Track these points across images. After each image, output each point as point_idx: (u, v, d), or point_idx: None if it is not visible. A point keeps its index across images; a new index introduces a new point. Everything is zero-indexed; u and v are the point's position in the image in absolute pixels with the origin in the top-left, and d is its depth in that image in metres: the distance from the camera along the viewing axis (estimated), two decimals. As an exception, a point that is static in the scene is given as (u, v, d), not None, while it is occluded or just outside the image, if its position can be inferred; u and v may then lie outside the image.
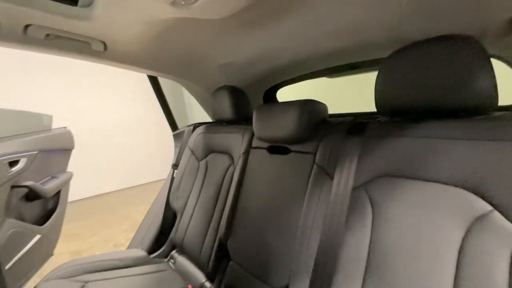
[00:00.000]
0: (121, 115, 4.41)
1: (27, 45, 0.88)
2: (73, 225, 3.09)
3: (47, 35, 0.87)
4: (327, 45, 0.88)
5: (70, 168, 1.91)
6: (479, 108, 0.53)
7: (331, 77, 1.36)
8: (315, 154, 0.77)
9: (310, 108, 0.80)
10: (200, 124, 1.44)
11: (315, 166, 0.75)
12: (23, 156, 1.43)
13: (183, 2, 0.69)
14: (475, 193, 0.50)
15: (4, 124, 1.43)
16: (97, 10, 0.76)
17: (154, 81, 1.46)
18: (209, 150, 1.27)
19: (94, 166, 4.22)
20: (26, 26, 0.83)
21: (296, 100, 0.83)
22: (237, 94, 1.17)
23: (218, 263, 0.97)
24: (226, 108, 1.16)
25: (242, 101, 1.18)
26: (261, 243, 0.83)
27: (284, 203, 0.80)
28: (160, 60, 1.16)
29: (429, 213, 0.54)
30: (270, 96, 1.54)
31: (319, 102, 0.86)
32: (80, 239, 2.72)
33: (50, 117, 1.79)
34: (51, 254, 1.69)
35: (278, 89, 1.54)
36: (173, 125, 1.59)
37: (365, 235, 0.62)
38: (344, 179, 0.67)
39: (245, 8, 0.75)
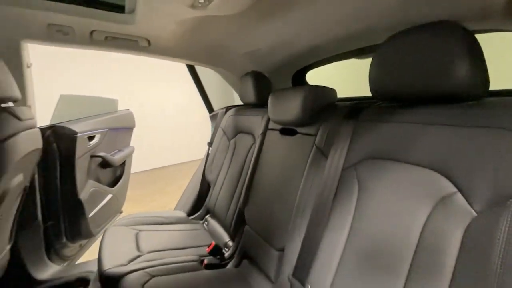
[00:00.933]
0: (176, 99, 4.92)
1: (92, 46, 1.13)
2: (136, 192, 3.68)
3: (106, 37, 1.10)
4: (337, 31, 0.91)
5: (133, 143, 2.30)
6: (458, 95, 0.54)
7: (359, 58, 1.35)
8: (316, 136, 0.84)
9: (314, 94, 0.86)
10: (232, 106, 1.60)
11: (314, 147, 0.83)
12: (98, 133, 1.80)
13: (200, 4, 0.81)
14: (443, 175, 0.53)
15: (84, 107, 1.81)
16: (138, 16, 0.94)
17: (191, 69, 1.65)
18: (237, 131, 1.42)
19: (153, 143, 4.84)
20: (92, 32, 1.07)
21: (305, 86, 0.90)
22: (260, 79, 1.27)
23: (237, 226, 1.14)
24: (250, 92, 1.28)
25: (265, 86, 1.27)
26: (269, 211, 0.96)
27: (288, 178, 0.91)
28: (193, 51, 1.32)
29: (405, 192, 0.59)
30: (298, 79, 1.59)
31: (327, 87, 0.91)
32: (141, 204, 3.26)
33: (116, 101, 2.17)
34: (120, 212, 2.13)
35: (306, 72, 1.57)
36: (209, 107, 1.78)
37: (350, 210, 0.69)
38: (336, 160, 0.74)
39: (256, 2, 0.84)
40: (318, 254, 0.72)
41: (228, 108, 1.60)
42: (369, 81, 0.69)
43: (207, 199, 1.50)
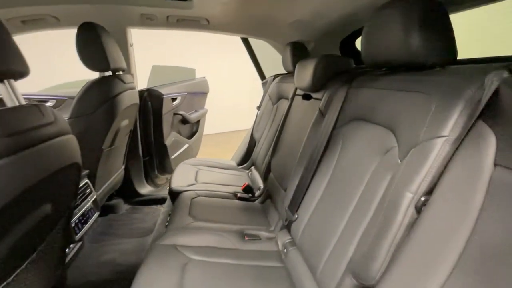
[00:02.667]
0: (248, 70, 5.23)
1: (169, 27, 1.50)
2: (208, 149, 4.30)
3: (177, 20, 1.45)
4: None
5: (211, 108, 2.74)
6: (415, 64, 0.59)
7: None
8: (321, 100, 0.97)
9: (325, 63, 0.97)
10: (279, 75, 1.77)
11: (318, 110, 0.97)
12: (179, 95, 2.30)
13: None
14: (392, 132, 0.63)
15: (170, 75, 2.33)
16: (195, 2, 1.22)
17: (246, 42, 1.88)
18: (279, 96, 1.61)
19: (227, 108, 5.35)
20: (167, 17, 1.42)
21: (321, 56, 1.01)
22: (297, 49, 1.39)
23: (266, 174, 1.41)
24: (288, 62, 1.43)
25: (302, 55, 1.40)
26: (283, 162, 1.18)
27: (300, 136, 1.08)
28: (245, 24, 1.54)
29: (367, 147, 0.71)
30: (347, 46, 1.61)
31: (342, 57, 1.00)
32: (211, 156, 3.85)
33: (194, 70, 2.65)
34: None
35: (356, 38, 1.57)
36: (261, 75, 2.00)
37: (332, 162, 0.84)
38: (330, 121, 0.88)
39: None
40: (306, 193, 0.92)
41: (275, 76, 1.78)
42: (361, 49, 0.78)
43: (253, 154, 1.81)
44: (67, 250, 1.14)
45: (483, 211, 0.38)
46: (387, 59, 0.68)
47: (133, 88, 1.45)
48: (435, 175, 0.46)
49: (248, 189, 1.40)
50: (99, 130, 1.16)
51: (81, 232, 1.04)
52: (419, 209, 0.47)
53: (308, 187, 0.93)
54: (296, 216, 0.95)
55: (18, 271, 0.60)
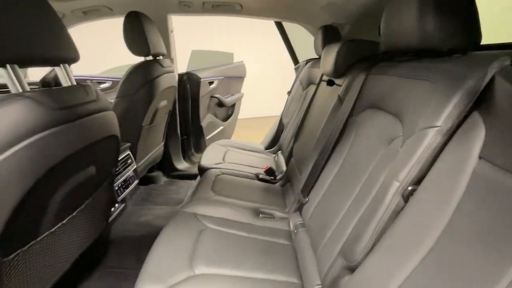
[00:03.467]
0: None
1: (205, 13, 1.57)
2: (243, 132, 4.40)
3: (212, 6, 1.51)
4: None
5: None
6: (429, 49, 0.56)
7: None
8: (341, 87, 0.95)
9: (348, 48, 0.93)
10: (312, 59, 1.74)
11: (337, 97, 0.95)
12: (216, 79, 2.41)
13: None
14: (400, 121, 0.61)
15: (208, 59, 2.44)
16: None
17: (279, 26, 1.86)
18: (309, 82, 1.60)
19: (264, 93, 5.34)
20: (203, 3, 1.49)
21: (346, 41, 0.98)
22: (329, 32, 1.35)
23: (288, 159, 1.44)
24: (319, 46, 1.40)
25: (333, 39, 1.35)
26: (304, 148, 1.19)
27: (319, 123, 1.08)
28: (277, 8, 1.53)
29: (378, 136, 0.71)
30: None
31: (370, 41, 0.95)
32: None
33: (232, 54, 2.72)
34: (229, 141, 2.83)
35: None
36: (294, 60, 1.97)
37: (345, 149, 0.85)
38: (346, 108, 0.87)
39: None
40: (318, 178, 0.95)
41: (308, 61, 1.75)
42: (380, 35, 0.75)
43: (280, 138, 1.85)
44: (112, 209, 1.36)
45: (462, 203, 0.38)
46: (403, 44, 0.65)
47: (171, 71, 1.58)
48: (424, 166, 0.45)
49: (270, 171, 1.45)
50: (140, 109, 1.32)
51: (122, 195, 1.23)
52: (406, 198, 0.48)
53: (320, 172, 0.95)
54: (307, 199, 0.98)
55: (70, 216, 0.77)
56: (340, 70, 0.98)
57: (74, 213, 0.79)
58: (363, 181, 0.69)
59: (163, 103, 1.56)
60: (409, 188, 0.47)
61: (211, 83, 2.34)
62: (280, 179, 1.45)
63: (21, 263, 0.64)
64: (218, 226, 0.97)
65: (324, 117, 1.04)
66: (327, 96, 1.14)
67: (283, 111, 1.89)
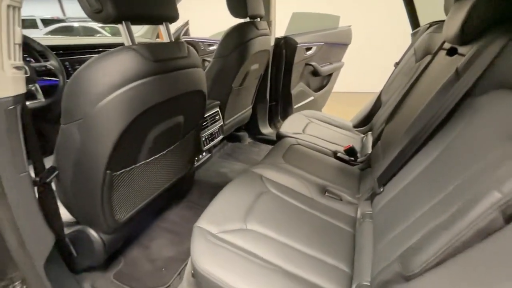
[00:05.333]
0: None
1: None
2: (338, 107, 4.04)
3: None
4: None
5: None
6: None
7: None
8: (464, 57, 0.69)
9: (489, 3, 0.65)
10: (436, 22, 1.35)
11: (454, 69, 0.70)
12: (314, 45, 2.26)
13: None
14: None
15: (310, 23, 2.27)
16: None
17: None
18: (426, 51, 1.27)
19: (366, 65, 4.63)
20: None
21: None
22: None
23: (376, 141, 1.24)
24: (448, 6, 1.06)
25: None
26: (395, 130, 0.99)
27: (422, 100, 0.85)
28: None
29: (503, 127, 0.51)
30: None
31: None
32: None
33: (338, 18, 2.44)
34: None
35: None
36: (413, 23, 1.57)
37: (443, 142, 0.65)
38: (462, 86, 0.65)
39: None
40: (402, 168, 0.79)
41: (432, 24, 1.38)
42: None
43: (374, 117, 1.61)
44: (200, 156, 1.58)
45: None
46: None
47: (266, 34, 1.57)
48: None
49: (350, 151, 1.32)
50: (231, 70, 1.40)
51: (207, 145, 1.40)
52: (508, 217, 0.33)
53: (406, 162, 0.79)
54: (382, 189, 0.85)
55: (161, 154, 0.94)
56: (469, 33, 0.72)
57: (165, 152, 0.96)
58: (458, 183, 0.53)
59: (254, 66, 1.60)
60: (517, 205, 0.32)
61: (308, 49, 2.21)
62: (361, 162, 1.30)
63: (125, 179, 0.84)
64: (279, 192, 0.98)
65: (430, 95, 0.82)
66: (442, 69, 0.87)
67: (384, 86, 1.62)
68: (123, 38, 0.72)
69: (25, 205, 0.61)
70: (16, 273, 0.67)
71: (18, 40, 0.51)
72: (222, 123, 1.51)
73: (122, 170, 0.81)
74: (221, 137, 1.52)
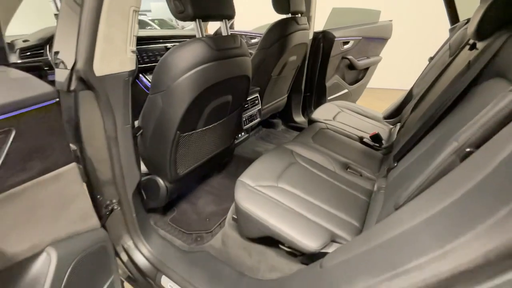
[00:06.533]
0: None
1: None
2: (371, 102, 3.97)
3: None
4: None
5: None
6: None
7: None
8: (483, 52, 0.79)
9: (495, 10, 0.74)
10: (474, 18, 1.39)
11: (467, 62, 0.81)
12: (352, 39, 2.34)
13: None
14: None
15: (349, 18, 2.34)
16: None
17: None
18: (459, 46, 1.34)
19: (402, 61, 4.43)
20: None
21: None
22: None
23: (401, 129, 1.35)
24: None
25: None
26: (416, 115, 1.10)
27: (441, 90, 0.96)
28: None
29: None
30: None
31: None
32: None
33: (378, 12, 2.46)
34: (352, 106, 2.77)
35: None
36: (452, 18, 1.60)
37: (452, 122, 0.79)
38: (470, 75, 0.76)
39: None
40: (415, 146, 0.93)
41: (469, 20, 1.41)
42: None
43: (404, 110, 1.69)
44: (239, 135, 1.81)
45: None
46: None
47: (305, 29, 1.73)
48: (488, 130, 0.44)
49: (376, 137, 1.44)
50: (271, 61, 1.59)
51: (247, 125, 1.63)
52: (462, 159, 0.49)
53: (418, 141, 0.92)
54: (396, 164, 0.99)
55: (212, 125, 1.18)
56: (483, 30, 0.82)
57: (216, 124, 1.20)
58: (440, 144, 0.67)
59: (293, 58, 1.77)
60: (467, 150, 0.48)
61: (346, 43, 2.30)
62: (385, 148, 1.42)
63: (187, 141, 1.10)
64: (306, 164, 1.16)
65: (446, 85, 0.94)
66: (461, 63, 0.97)
67: (417, 80, 1.68)
68: (195, 32, 0.95)
69: (127, 147, 0.88)
70: (115, 198, 0.96)
71: (136, 33, 0.76)
72: (260, 107, 1.72)
73: (186, 134, 1.06)
74: (258, 119, 1.74)
